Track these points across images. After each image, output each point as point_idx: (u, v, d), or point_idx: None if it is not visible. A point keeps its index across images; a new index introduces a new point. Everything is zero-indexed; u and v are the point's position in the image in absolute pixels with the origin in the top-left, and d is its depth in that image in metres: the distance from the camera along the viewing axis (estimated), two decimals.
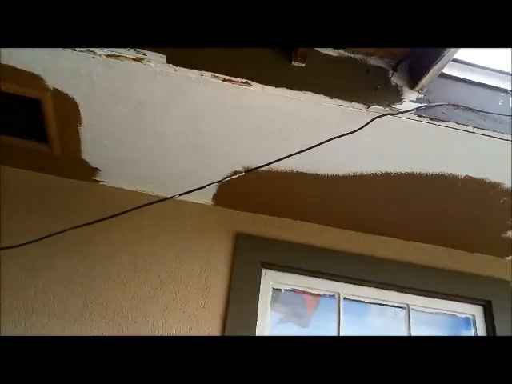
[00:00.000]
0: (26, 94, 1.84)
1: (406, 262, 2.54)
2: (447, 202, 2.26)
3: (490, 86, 1.94)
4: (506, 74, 1.97)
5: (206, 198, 2.42)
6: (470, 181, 2.10)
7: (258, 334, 2.21)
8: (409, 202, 2.29)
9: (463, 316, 2.54)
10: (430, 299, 2.51)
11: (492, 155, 1.95)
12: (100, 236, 2.25)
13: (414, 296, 2.50)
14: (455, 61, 1.91)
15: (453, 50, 1.68)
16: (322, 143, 1.77)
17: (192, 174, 2.24)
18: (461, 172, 2.07)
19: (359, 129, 1.76)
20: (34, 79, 1.78)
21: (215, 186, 2.30)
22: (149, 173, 2.27)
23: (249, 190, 2.32)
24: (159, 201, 1.94)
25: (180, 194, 1.94)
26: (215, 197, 2.40)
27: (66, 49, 1.63)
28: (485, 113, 1.87)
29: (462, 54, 1.90)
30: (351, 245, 2.52)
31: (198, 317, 2.18)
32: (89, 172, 2.31)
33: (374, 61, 1.89)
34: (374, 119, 1.77)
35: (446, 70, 1.88)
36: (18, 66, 1.73)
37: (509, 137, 1.86)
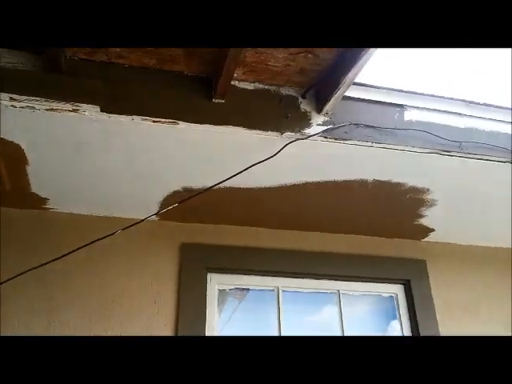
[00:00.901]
0: None
1: (335, 252, 2.88)
2: (364, 199, 2.60)
3: (387, 102, 2.26)
4: (400, 91, 2.29)
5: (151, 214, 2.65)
6: (377, 183, 2.44)
7: (207, 333, 2.50)
8: (333, 202, 2.61)
9: (387, 295, 2.92)
10: (357, 283, 2.87)
11: (391, 161, 2.28)
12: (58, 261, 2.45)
13: (344, 282, 2.86)
14: (357, 84, 2.21)
15: (352, 75, 1.96)
16: (244, 170, 2.05)
17: (135, 195, 2.47)
18: (368, 177, 2.40)
19: (275, 154, 2.05)
20: None
21: (159, 203, 2.54)
22: (93, 198, 2.49)
23: (189, 204, 2.56)
24: (133, 225, 2.09)
25: (154, 214, 2.19)
26: (159, 213, 2.64)
27: (8, 105, 1.82)
28: (381, 128, 2.19)
29: (362, 77, 2.19)
30: (285, 242, 2.83)
31: (152, 324, 2.45)
32: (39, 201, 2.50)
33: (285, 90, 2.16)
34: (286, 145, 2.05)
35: (348, 93, 2.19)
36: None
37: (402, 147, 2.20)
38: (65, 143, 2.05)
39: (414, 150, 2.21)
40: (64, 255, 2.04)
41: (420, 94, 2.29)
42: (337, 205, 2.65)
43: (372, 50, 1.81)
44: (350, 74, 1.93)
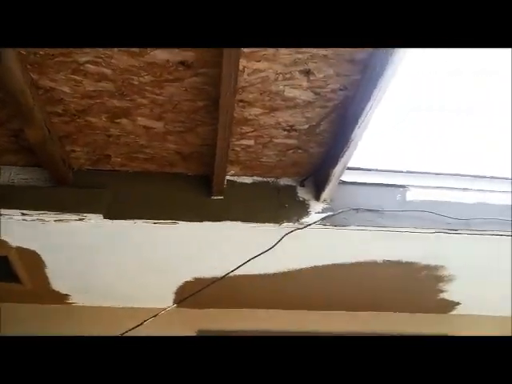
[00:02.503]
0: None
1: (354, 332, 2.80)
2: (378, 278, 2.55)
3: (388, 184, 2.27)
4: (401, 172, 2.30)
5: (167, 302, 2.71)
6: (388, 263, 2.40)
7: None
8: (351, 282, 2.57)
9: None
10: None
11: (397, 243, 2.26)
12: None
13: None
14: (355, 169, 2.24)
15: (341, 164, 1.99)
16: (244, 263, 2.09)
17: (150, 287, 2.55)
18: (377, 258, 2.37)
19: (273, 246, 2.08)
20: (0, 241, 2.12)
21: (173, 293, 2.60)
22: (112, 292, 2.59)
23: (203, 291, 2.62)
24: (156, 315, 2.19)
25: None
26: (175, 301, 2.70)
27: (19, 219, 1.97)
28: (383, 211, 2.19)
29: (357, 161, 2.21)
30: (304, 324, 2.79)
31: None
32: (61, 297, 2.62)
33: (283, 181, 2.22)
34: (285, 235, 2.08)
35: (348, 178, 2.22)
36: None
37: (405, 229, 2.17)
38: (75, 246, 2.18)
39: (418, 231, 2.18)
40: None
41: (422, 172, 2.28)
42: (353, 284, 2.62)
43: (356, 142, 1.85)
44: (340, 165, 1.97)
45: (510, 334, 2.87)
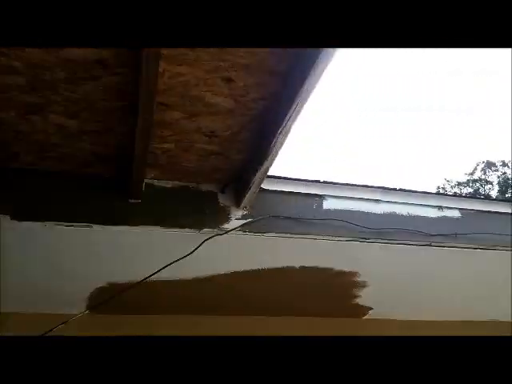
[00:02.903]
0: None
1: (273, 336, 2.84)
2: (295, 283, 2.61)
3: (305, 193, 2.34)
4: (318, 181, 2.37)
5: (79, 308, 2.59)
6: (305, 269, 2.46)
7: None
8: (266, 286, 2.60)
9: None
10: None
11: (313, 250, 2.33)
12: None
13: None
14: (274, 177, 2.28)
15: (265, 167, 2.01)
16: (161, 269, 2.05)
17: (62, 293, 2.42)
18: (295, 264, 2.43)
19: (192, 252, 2.06)
20: None
21: (86, 299, 2.50)
22: (21, 296, 2.43)
23: (120, 296, 2.54)
24: (66, 321, 2.05)
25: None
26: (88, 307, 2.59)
27: None
28: (300, 219, 2.25)
29: (281, 170, 2.27)
30: (220, 329, 2.77)
31: None
32: None
33: (205, 186, 2.22)
34: (204, 241, 2.07)
35: (268, 186, 2.26)
36: None
37: (321, 237, 2.25)
38: None
39: (333, 238, 2.26)
40: None
41: (337, 183, 2.38)
42: (272, 289, 2.66)
43: (276, 151, 1.88)
44: (260, 172, 2.00)
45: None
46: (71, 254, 2.14)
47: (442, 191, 13.96)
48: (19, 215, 1.90)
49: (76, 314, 2.17)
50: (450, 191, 15.17)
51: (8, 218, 1.88)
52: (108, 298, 2.15)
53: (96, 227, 1.99)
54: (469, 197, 2.46)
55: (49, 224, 1.94)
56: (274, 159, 1.98)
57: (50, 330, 2.03)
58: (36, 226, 1.93)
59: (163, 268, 2.11)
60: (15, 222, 1.90)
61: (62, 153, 1.90)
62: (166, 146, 1.91)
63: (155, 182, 2.15)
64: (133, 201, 2.07)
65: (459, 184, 15.34)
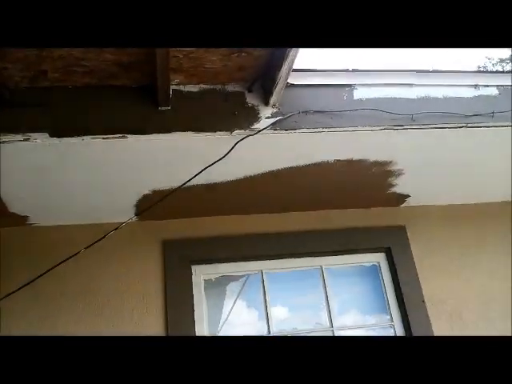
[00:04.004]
0: None
1: (314, 229, 2.95)
2: (331, 177, 2.64)
3: (334, 84, 2.28)
4: (347, 71, 2.30)
5: (130, 216, 2.76)
6: (340, 162, 2.48)
7: (196, 323, 2.63)
8: (303, 183, 2.65)
9: (370, 264, 3.00)
10: (338, 257, 2.95)
11: (347, 142, 2.32)
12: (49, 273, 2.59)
13: (325, 257, 2.94)
14: (301, 70, 2.23)
15: (286, 66, 1.98)
16: (198, 174, 2.12)
17: (110, 202, 2.58)
18: (329, 158, 2.44)
19: (226, 155, 2.10)
20: None
21: (134, 206, 2.65)
22: (70, 210, 2.61)
23: (164, 203, 2.67)
24: (115, 229, 2.20)
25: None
26: (137, 214, 2.75)
27: None
28: (331, 112, 2.21)
29: (302, 62, 2.19)
30: (263, 226, 2.91)
31: (143, 322, 2.59)
32: (21, 219, 2.63)
33: (231, 87, 2.20)
34: (236, 143, 2.10)
35: (294, 81, 2.22)
36: None
37: (354, 128, 2.22)
38: (27, 168, 2.15)
39: (366, 129, 2.23)
40: (54, 266, 2.17)
41: (367, 70, 2.30)
42: (308, 185, 2.71)
43: None
44: (285, 67, 1.95)
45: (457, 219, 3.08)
46: (112, 166, 2.23)
47: (482, 70, 13.06)
48: (57, 132, 1.97)
49: (126, 221, 2.30)
50: (491, 69, 14.15)
51: (47, 135, 1.96)
52: (152, 204, 2.26)
53: (130, 137, 2.04)
54: (507, 72, 2.30)
55: (86, 138, 2.01)
56: (298, 50, 1.92)
57: (103, 237, 2.19)
58: (75, 141, 2.01)
59: (199, 173, 2.18)
60: (54, 139, 1.98)
61: (87, 66, 1.91)
62: (186, 48, 1.88)
63: (182, 88, 2.15)
64: (162, 108, 2.09)
65: (501, 61, 14.22)
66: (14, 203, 2.45)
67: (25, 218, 2.63)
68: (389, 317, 2.84)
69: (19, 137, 1.94)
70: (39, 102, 1.99)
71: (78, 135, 1.99)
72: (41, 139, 1.97)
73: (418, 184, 2.85)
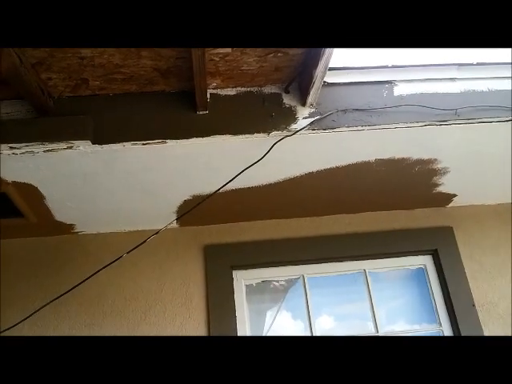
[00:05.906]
0: None
1: (357, 232, 2.89)
2: (373, 177, 2.58)
3: (373, 81, 2.23)
4: (386, 67, 2.25)
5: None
6: (381, 161, 2.42)
7: (238, 328, 2.61)
8: (344, 185, 2.60)
9: (415, 267, 2.90)
10: (382, 260, 2.87)
11: (387, 140, 2.26)
12: (93, 279, 2.64)
13: (369, 260, 2.86)
14: (338, 69, 2.20)
15: (323, 64, 1.94)
16: (236, 176, 2.11)
17: (151, 209, 2.61)
18: (370, 158, 2.38)
19: (263, 156, 2.09)
20: None
21: (174, 212, 2.67)
22: (114, 217, 2.65)
23: (204, 208, 2.68)
24: (156, 233, 2.25)
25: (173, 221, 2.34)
26: (178, 220, 2.77)
27: (9, 154, 1.99)
28: (370, 109, 2.17)
29: (338, 60, 2.14)
30: (304, 230, 2.87)
31: (185, 327, 2.60)
32: (67, 228, 2.70)
33: (267, 89, 2.19)
34: (274, 144, 2.09)
35: (332, 79, 2.19)
36: None
37: (395, 125, 2.16)
38: (71, 176, 2.20)
39: (408, 125, 2.17)
40: (97, 271, 2.23)
41: (407, 66, 2.24)
42: (349, 186, 2.65)
43: None
44: (321, 65, 1.92)
45: (508, 218, 2.94)
46: (152, 172, 2.26)
47: None
48: (99, 139, 2.02)
49: (165, 226, 2.32)
50: None
51: (89, 142, 2.00)
52: (190, 209, 2.27)
53: (170, 142, 2.06)
54: None
55: (127, 144, 2.04)
56: (331, 53, 1.89)
57: (144, 241, 2.21)
58: (116, 148, 2.05)
59: (238, 175, 2.17)
60: (96, 147, 2.03)
61: (126, 73, 1.95)
62: (222, 50, 1.89)
63: (219, 92, 2.16)
64: (200, 112, 2.10)
65: None
66: (61, 212, 2.52)
67: (71, 226, 2.69)
68: (437, 322, 2.73)
69: (63, 145, 2.00)
70: (81, 110, 2.04)
71: (119, 142, 2.03)
72: (83, 147, 2.02)
73: (465, 182, 2.74)
